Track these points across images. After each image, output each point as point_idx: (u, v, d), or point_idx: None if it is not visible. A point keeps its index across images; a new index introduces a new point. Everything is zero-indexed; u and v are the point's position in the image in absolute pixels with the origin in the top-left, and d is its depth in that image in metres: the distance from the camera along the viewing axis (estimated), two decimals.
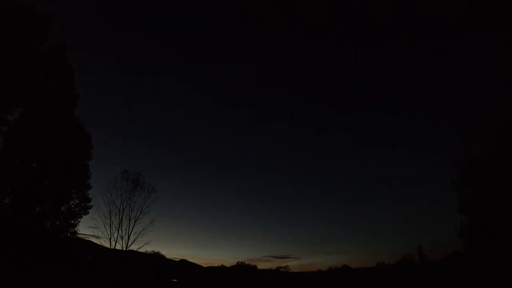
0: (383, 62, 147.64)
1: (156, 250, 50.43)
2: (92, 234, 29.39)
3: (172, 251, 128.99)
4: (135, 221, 30.99)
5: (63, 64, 20.74)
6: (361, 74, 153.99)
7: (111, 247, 30.13)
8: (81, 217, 21.54)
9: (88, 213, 22.35)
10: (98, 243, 31.05)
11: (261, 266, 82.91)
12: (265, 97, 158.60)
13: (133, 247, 31.18)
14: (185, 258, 78.68)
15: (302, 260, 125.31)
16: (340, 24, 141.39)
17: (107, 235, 29.84)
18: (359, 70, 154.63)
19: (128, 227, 30.86)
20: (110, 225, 30.10)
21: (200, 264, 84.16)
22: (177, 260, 72.21)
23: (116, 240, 30.24)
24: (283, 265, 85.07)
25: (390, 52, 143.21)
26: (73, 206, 21.09)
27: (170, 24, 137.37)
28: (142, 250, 32.72)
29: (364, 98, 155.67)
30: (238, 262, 76.71)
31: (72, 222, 20.90)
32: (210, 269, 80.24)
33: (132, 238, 30.79)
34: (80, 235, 22.84)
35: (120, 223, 30.51)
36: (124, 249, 30.71)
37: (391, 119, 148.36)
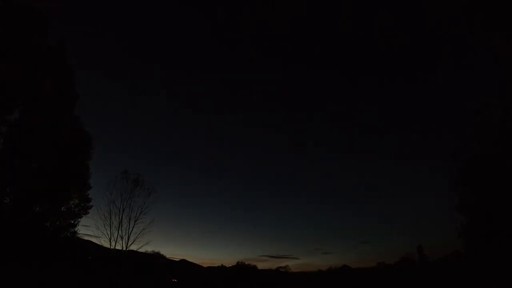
0: (382, 62, 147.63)
1: (156, 250, 50.47)
2: (92, 234, 29.45)
3: (172, 251, 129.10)
4: (135, 221, 30.98)
5: (63, 64, 20.76)
6: (360, 74, 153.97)
7: (111, 247, 30.15)
8: (81, 217, 21.59)
9: (88, 213, 22.40)
10: (98, 243, 31.08)
11: (259, 266, 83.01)
12: (263, 101, 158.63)
13: (133, 247, 31.19)
14: (185, 258, 78.95)
15: (301, 260, 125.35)
16: (337, 31, 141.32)
17: (107, 235, 29.84)
18: (355, 69, 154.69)
19: (128, 227, 30.86)
20: (110, 225, 30.08)
21: (200, 264, 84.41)
22: (177, 260, 72.39)
23: (116, 240, 30.24)
24: (283, 265, 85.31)
25: (388, 52, 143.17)
26: (73, 206, 21.12)
27: (169, 26, 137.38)
28: (142, 250, 32.75)
29: (363, 97, 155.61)
30: (238, 262, 76.77)
31: (72, 222, 20.92)
32: (210, 269, 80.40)
33: (132, 238, 30.77)
34: (80, 235, 22.84)
35: (120, 223, 30.51)
36: (124, 249, 30.74)
37: (390, 119, 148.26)
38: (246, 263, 75.89)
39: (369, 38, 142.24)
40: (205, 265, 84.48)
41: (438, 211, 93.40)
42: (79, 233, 22.08)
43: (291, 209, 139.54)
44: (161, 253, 53.17)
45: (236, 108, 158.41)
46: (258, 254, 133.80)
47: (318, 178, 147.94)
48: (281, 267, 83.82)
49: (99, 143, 24.24)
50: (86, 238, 30.47)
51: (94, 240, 30.37)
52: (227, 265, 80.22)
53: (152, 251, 47.27)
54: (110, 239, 29.95)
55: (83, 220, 22.20)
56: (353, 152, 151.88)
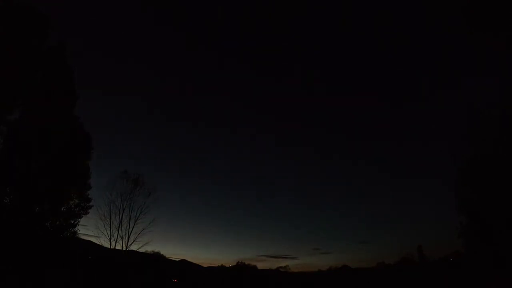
0: (381, 61, 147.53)
1: (156, 250, 50.37)
2: (92, 234, 29.49)
3: (172, 251, 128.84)
4: (135, 221, 31.07)
5: (63, 64, 20.75)
6: (359, 75, 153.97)
7: (111, 247, 30.18)
8: (81, 217, 21.54)
9: (88, 213, 22.35)
10: (98, 243, 31.12)
11: (258, 266, 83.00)
12: (264, 103, 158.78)
13: (133, 247, 31.28)
14: (185, 258, 78.86)
15: (299, 260, 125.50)
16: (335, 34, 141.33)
17: (107, 235, 29.92)
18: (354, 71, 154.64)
19: (128, 227, 30.95)
20: (110, 225, 30.19)
21: (200, 264, 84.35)
22: (177, 260, 72.29)
23: (116, 240, 30.32)
24: (282, 265, 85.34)
25: (388, 52, 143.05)
26: (73, 206, 21.09)
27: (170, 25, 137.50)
28: (142, 250, 32.83)
29: (363, 98, 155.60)
30: (238, 262, 76.73)
31: (72, 222, 20.88)
32: (210, 269, 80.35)
33: (132, 238, 30.89)
34: (80, 235, 22.83)
35: (120, 223, 30.58)
36: (124, 249, 30.76)
37: (389, 119, 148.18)
38: (246, 263, 75.93)
39: (369, 38, 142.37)
40: (205, 265, 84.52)
41: (438, 211, 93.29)
42: (79, 233, 22.09)
43: (290, 209, 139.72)
44: (161, 253, 53.05)
45: (237, 109, 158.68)
46: (258, 254, 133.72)
47: (318, 178, 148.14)
48: (281, 267, 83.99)
49: (99, 143, 24.28)
50: (86, 238, 30.55)
51: (94, 240, 30.47)
52: (227, 265, 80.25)
53: (152, 251, 47.22)
54: (110, 239, 30.04)
55: (83, 220, 22.21)
56: (353, 153, 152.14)
